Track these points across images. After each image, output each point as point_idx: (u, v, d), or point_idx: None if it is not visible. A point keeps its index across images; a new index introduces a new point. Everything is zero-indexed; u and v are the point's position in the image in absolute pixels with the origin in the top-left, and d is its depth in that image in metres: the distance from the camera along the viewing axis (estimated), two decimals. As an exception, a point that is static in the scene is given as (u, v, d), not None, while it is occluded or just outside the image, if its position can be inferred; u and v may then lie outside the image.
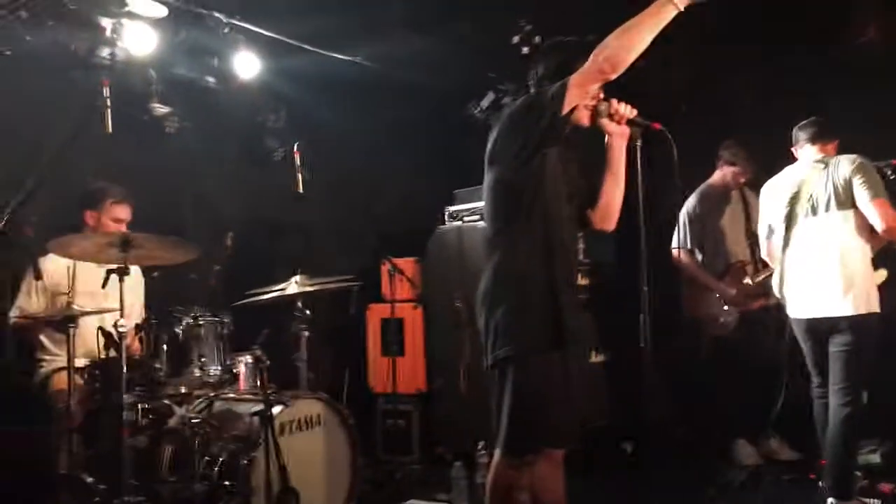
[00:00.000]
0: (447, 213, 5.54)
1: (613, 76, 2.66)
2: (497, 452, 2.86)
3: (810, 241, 4.08)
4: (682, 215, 5.15)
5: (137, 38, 4.38)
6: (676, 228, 5.14)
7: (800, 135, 4.30)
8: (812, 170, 4.13)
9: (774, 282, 4.27)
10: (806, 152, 4.24)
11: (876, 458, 4.70)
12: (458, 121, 5.86)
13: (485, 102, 5.83)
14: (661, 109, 4.06)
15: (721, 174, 5.18)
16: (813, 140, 4.23)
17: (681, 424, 5.18)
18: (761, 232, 4.47)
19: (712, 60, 5.61)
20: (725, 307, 4.99)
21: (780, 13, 4.99)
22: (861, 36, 5.05)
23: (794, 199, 4.16)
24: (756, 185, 4.68)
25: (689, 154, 2.96)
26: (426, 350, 5.44)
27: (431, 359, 5.42)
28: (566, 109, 2.68)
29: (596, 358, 5.52)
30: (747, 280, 4.96)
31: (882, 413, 4.82)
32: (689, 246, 5.10)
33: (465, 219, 5.40)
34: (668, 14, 2.61)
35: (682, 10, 2.63)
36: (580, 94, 2.70)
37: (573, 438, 2.89)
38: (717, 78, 5.80)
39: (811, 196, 4.07)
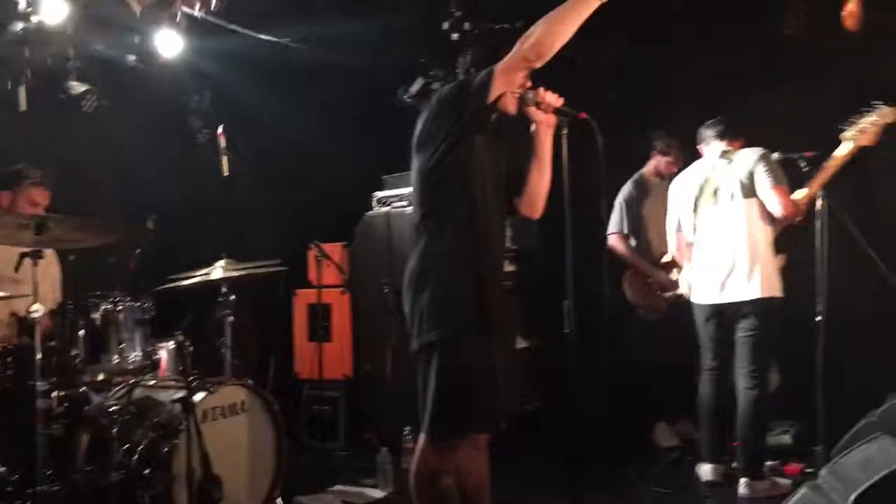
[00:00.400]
0: (375, 198, 5.52)
1: (539, 64, 2.71)
2: (422, 437, 2.87)
3: (717, 229, 4.31)
4: (619, 201, 5.24)
5: (55, 13, 4.20)
6: (613, 213, 5.22)
7: (706, 133, 4.56)
8: (718, 163, 4.32)
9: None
10: (713, 148, 4.47)
11: (787, 440, 4.89)
12: (387, 106, 5.83)
13: (414, 88, 5.80)
14: (589, 98, 4.14)
15: (654, 163, 5.30)
16: (721, 136, 4.49)
17: (603, 409, 5.27)
18: (671, 226, 4.62)
19: (639, 50, 5.72)
20: (660, 293, 5.09)
21: (706, 5, 5.11)
22: (782, 30, 5.19)
23: (701, 191, 4.43)
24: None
25: (616, 142, 3.01)
26: (353, 336, 5.43)
27: (358, 345, 5.42)
28: (492, 97, 2.71)
29: (522, 344, 5.59)
30: (675, 271, 5.09)
31: (793, 395, 5.01)
32: (625, 231, 5.19)
33: (394, 205, 5.39)
34: (594, 3, 2.66)
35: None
36: (506, 83, 2.73)
37: (498, 424, 2.92)
38: (644, 68, 5.90)
39: (717, 188, 4.29)
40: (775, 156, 4.32)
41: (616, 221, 5.20)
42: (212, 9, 2.26)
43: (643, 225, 5.20)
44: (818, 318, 4.28)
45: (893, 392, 4.34)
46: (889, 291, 5.12)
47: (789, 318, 4.53)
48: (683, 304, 5.01)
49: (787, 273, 4.50)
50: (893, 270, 4.67)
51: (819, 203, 4.20)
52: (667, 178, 5.23)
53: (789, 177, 4.40)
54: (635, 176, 5.32)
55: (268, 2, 4.80)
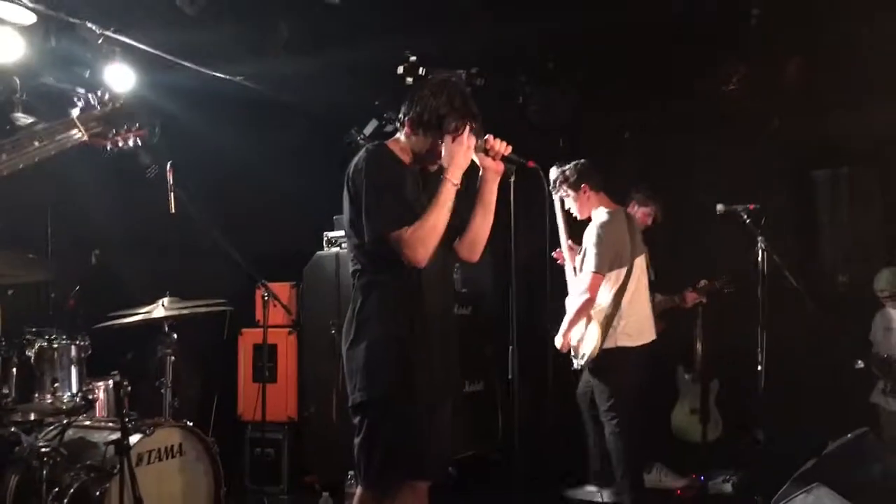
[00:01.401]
0: (326, 238, 5.49)
1: (418, 257, 2.68)
2: (359, 486, 2.83)
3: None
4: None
5: (3, 44, 4.15)
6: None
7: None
8: None
9: None
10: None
11: (728, 489, 4.94)
12: (340, 146, 5.84)
13: (368, 129, 5.84)
14: (540, 146, 4.22)
15: (631, 212, 5.41)
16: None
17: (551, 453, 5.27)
18: None
19: (590, 101, 5.85)
20: None
21: (649, 60, 5.26)
22: (724, 85, 5.37)
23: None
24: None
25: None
26: (299, 377, 5.36)
27: (304, 386, 5.34)
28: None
29: (470, 388, 5.58)
30: None
31: (734, 445, 5.08)
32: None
33: (344, 245, 5.36)
34: (451, 192, 2.74)
35: (493, 173, 2.84)
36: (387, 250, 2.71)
37: (438, 471, 2.89)
38: (594, 118, 6.04)
39: None
40: (719, 208, 4.44)
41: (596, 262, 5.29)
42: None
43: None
44: (759, 368, 4.36)
45: (832, 442, 4.44)
46: (827, 341, 5.27)
47: (732, 368, 4.62)
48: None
49: (731, 324, 4.61)
50: (829, 318, 4.82)
51: (760, 255, 4.31)
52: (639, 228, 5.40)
53: (733, 228, 4.53)
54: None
55: (224, 40, 4.78)
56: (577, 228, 4.59)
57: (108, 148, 2.18)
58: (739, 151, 5.78)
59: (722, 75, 5.41)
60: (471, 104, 2.84)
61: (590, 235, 4.34)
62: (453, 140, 2.76)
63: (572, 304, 4.35)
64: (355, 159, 2.86)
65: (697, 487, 5.02)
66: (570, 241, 4.59)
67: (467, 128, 2.77)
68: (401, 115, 2.91)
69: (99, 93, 2.19)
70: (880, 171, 5.78)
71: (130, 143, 2.25)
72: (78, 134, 2.02)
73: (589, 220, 4.45)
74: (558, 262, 4.61)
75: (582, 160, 4.49)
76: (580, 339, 4.37)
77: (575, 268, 4.51)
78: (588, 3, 4.73)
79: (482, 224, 2.94)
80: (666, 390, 5.73)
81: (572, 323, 4.32)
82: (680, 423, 5.65)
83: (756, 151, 5.81)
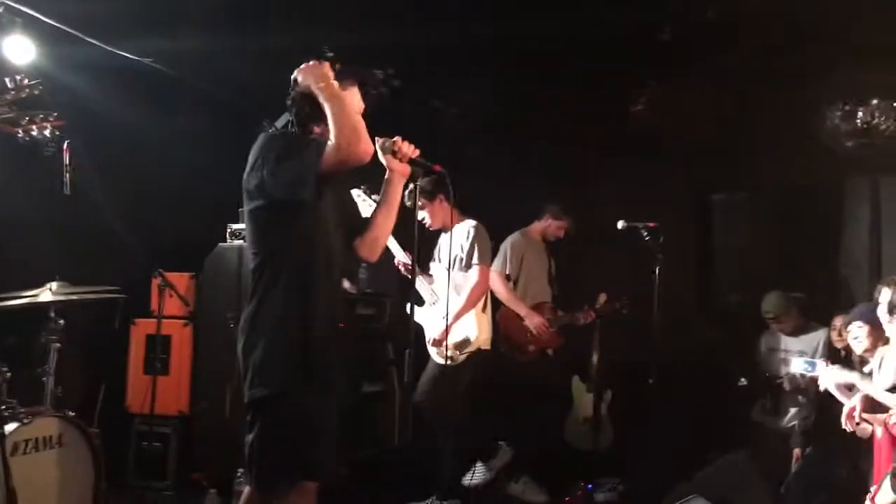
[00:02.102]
0: (229, 230, 5.37)
1: (365, 152, 2.69)
2: (248, 485, 2.78)
3: None
4: (506, 246, 5.49)
5: None
6: (498, 255, 5.41)
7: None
8: None
9: None
10: None
11: (614, 497, 5.08)
12: (250, 137, 5.71)
13: (280, 122, 5.72)
14: (450, 151, 4.24)
15: (543, 224, 5.63)
16: None
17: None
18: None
19: (502, 109, 5.93)
20: (530, 335, 5.32)
21: (562, 73, 5.37)
22: (632, 105, 5.53)
23: None
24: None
25: (476, 194, 3.08)
26: (193, 371, 5.22)
27: (197, 380, 5.21)
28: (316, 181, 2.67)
29: (369, 388, 5.57)
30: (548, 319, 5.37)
31: (623, 454, 5.22)
32: (507, 272, 5.41)
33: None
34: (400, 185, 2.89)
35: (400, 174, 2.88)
36: (333, 172, 2.69)
37: (329, 473, 2.86)
38: (506, 126, 6.13)
39: None
40: (620, 224, 4.59)
41: (500, 262, 5.41)
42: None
43: (522, 272, 5.45)
44: (650, 381, 4.50)
45: (712, 455, 4.63)
46: (715, 358, 5.48)
47: (625, 379, 4.75)
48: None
49: (627, 337, 4.78)
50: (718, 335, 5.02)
51: (657, 271, 4.46)
52: (550, 238, 5.62)
53: (633, 245, 4.67)
54: (522, 230, 5.61)
55: (131, 12, 4.61)
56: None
57: (20, 135, 2.02)
58: (643, 170, 5.97)
59: (630, 95, 5.57)
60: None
61: (462, 236, 4.56)
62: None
63: (463, 299, 4.51)
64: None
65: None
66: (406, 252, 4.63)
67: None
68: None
69: (17, 77, 2.03)
70: (774, 197, 6.05)
71: (47, 132, 2.08)
72: None
73: (440, 230, 4.61)
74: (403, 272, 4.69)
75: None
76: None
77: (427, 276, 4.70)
78: (503, 12, 4.79)
79: (384, 224, 2.95)
80: (561, 400, 5.85)
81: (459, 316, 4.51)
82: (572, 432, 5.78)
83: (658, 172, 6.01)
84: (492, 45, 4.98)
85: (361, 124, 2.71)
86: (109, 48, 4.93)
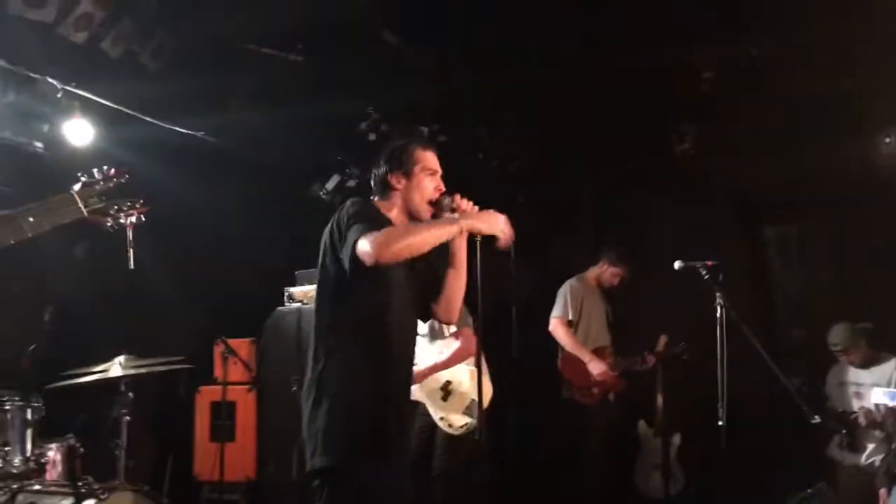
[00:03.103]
0: (287, 294, 5.44)
1: (373, 262, 2.56)
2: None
3: None
4: (564, 291, 5.46)
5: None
6: (557, 301, 5.43)
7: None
8: None
9: None
10: None
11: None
12: (302, 201, 5.83)
13: (330, 184, 5.86)
14: (499, 200, 4.25)
15: (599, 270, 5.60)
16: None
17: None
18: None
19: (548, 157, 5.96)
20: (594, 379, 5.26)
21: (607, 118, 5.39)
22: (678, 144, 5.52)
23: None
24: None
25: (525, 243, 3.07)
26: (258, 436, 5.24)
27: (263, 445, 5.22)
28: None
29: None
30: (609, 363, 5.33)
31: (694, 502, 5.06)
32: (569, 317, 5.37)
33: (306, 300, 5.31)
34: (453, 231, 2.74)
35: (464, 233, 2.77)
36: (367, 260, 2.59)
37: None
38: (553, 173, 6.15)
39: None
40: (677, 265, 4.50)
41: (560, 308, 5.41)
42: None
43: (582, 318, 5.42)
44: (720, 423, 4.38)
45: (791, 495, 4.48)
46: (784, 396, 5.33)
47: (693, 422, 4.64)
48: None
49: (691, 379, 4.67)
50: (788, 374, 4.88)
51: (719, 311, 4.37)
52: (606, 285, 5.59)
53: (691, 284, 4.59)
54: (579, 275, 5.60)
55: (183, 93, 4.78)
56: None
57: (109, 225, 2.08)
58: (693, 209, 5.92)
59: (676, 135, 5.56)
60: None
61: None
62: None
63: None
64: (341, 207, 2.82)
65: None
66: None
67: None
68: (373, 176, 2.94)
69: (105, 167, 2.09)
70: (830, 228, 5.94)
71: (133, 219, 2.14)
72: (77, 210, 1.92)
73: None
74: None
75: None
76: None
77: None
78: (546, 59, 4.84)
79: (455, 285, 2.93)
80: (628, 445, 5.74)
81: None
82: (642, 479, 5.65)
83: (709, 209, 5.95)
84: (535, 91, 5.03)
85: (412, 247, 2.63)
86: (162, 124, 5.10)
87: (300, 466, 4.80)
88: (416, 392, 4.29)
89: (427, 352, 4.40)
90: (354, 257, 2.58)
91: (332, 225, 2.76)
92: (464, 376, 4.46)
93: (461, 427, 4.39)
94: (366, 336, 2.70)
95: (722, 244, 5.58)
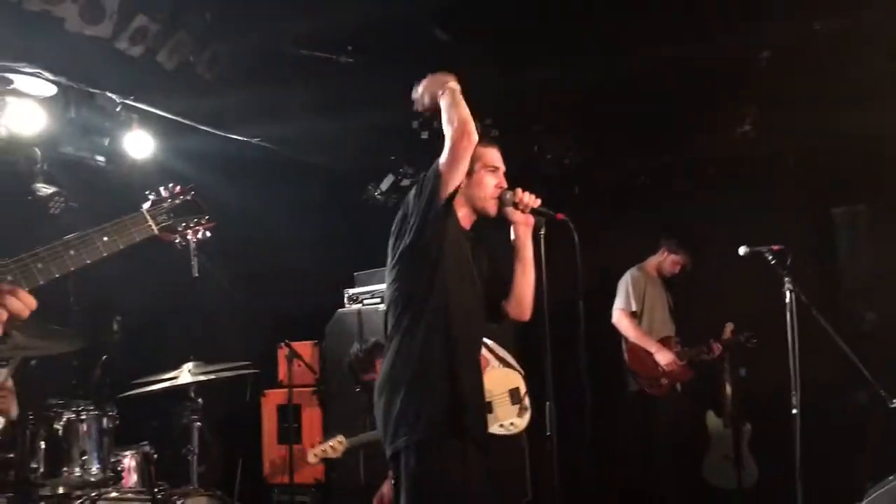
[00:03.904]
0: (347, 295, 5.47)
1: (472, 135, 2.72)
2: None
3: None
4: (626, 282, 5.40)
5: (23, 116, 4.20)
6: (619, 293, 5.38)
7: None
8: None
9: None
10: None
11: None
12: (358, 202, 5.86)
13: (384, 185, 5.87)
14: (555, 193, 4.19)
15: (659, 259, 5.53)
16: None
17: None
18: None
19: (604, 146, 5.87)
20: (662, 369, 5.19)
21: (660, 105, 5.28)
22: (738, 127, 5.38)
23: None
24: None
25: (582, 234, 3.02)
26: (324, 437, 5.27)
27: (330, 447, 5.25)
28: (446, 192, 2.73)
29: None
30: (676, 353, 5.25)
31: (772, 493, 4.95)
32: (633, 308, 5.31)
33: (366, 301, 5.34)
34: (447, 96, 2.80)
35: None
36: (458, 165, 2.74)
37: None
38: (609, 162, 6.07)
39: None
40: (742, 250, 4.39)
41: (622, 299, 5.36)
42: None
43: (645, 308, 5.36)
44: (794, 412, 4.27)
45: (871, 485, 4.33)
46: (857, 380, 5.17)
47: (766, 413, 4.52)
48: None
49: (759, 367, 4.55)
50: (861, 358, 4.73)
51: (788, 296, 4.25)
52: (667, 274, 5.51)
53: (758, 269, 4.47)
54: (639, 265, 5.53)
55: (239, 102, 4.83)
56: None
57: (177, 242, 2.13)
58: (756, 192, 5.77)
59: (735, 117, 5.42)
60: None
61: None
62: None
63: None
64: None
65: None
66: None
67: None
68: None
69: (170, 185, 2.15)
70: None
71: (200, 235, 2.19)
72: (148, 228, 1.96)
73: None
74: None
75: None
76: None
77: None
78: (596, 49, 4.76)
79: (523, 280, 2.93)
80: (697, 437, 5.63)
81: None
82: (713, 470, 5.54)
83: (773, 191, 5.80)
84: (590, 82, 4.95)
85: (468, 116, 2.74)
86: (219, 132, 5.16)
87: (366, 468, 4.84)
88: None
89: None
90: (439, 176, 2.71)
91: (398, 215, 2.85)
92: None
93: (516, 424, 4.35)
94: (435, 314, 2.73)
95: (787, 227, 5.43)
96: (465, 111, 2.75)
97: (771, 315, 4.53)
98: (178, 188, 2.14)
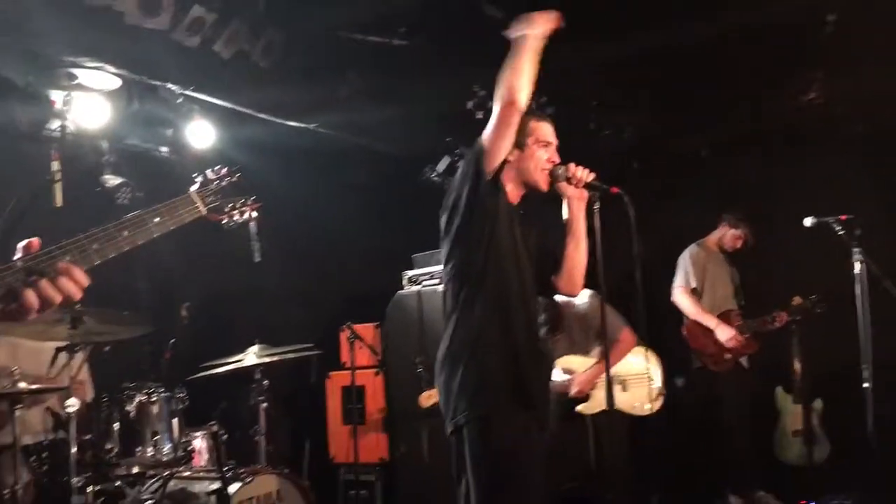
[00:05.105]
0: (406, 277, 5.51)
1: (519, 103, 2.66)
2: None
3: None
4: (686, 259, 5.33)
5: (89, 110, 4.34)
6: (678, 270, 5.32)
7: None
8: None
9: None
10: None
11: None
12: (415, 185, 5.88)
13: (441, 166, 5.88)
14: (613, 168, 4.14)
15: (720, 234, 5.43)
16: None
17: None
18: None
19: (660, 121, 5.75)
20: (724, 346, 5.12)
21: (721, 75, 5.14)
22: (803, 95, 5.21)
23: None
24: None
25: (641, 210, 2.97)
26: (388, 417, 5.35)
27: (393, 426, 5.33)
28: (496, 157, 2.71)
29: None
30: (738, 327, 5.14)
31: (848, 466, 4.83)
32: (692, 285, 5.24)
33: (425, 283, 5.38)
34: (530, 43, 2.68)
35: (537, 36, 2.71)
36: (503, 136, 2.71)
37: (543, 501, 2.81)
38: (666, 137, 5.94)
39: None
40: (808, 221, 4.28)
41: (681, 276, 5.29)
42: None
43: (706, 285, 5.27)
44: (865, 385, 4.15)
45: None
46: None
47: (836, 387, 4.41)
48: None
49: (829, 340, 4.43)
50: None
51: (858, 267, 4.12)
52: (729, 249, 5.40)
53: (825, 241, 4.34)
54: (699, 241, 5.43)
55: (295, 90, 4.88)
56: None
57: (224, 222, 2.19)
58: (822, 161, 5.60)
59: (800, 85, 5.25)
60: None
61: None
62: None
63: None
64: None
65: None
66: None
67: None
68: None
69: (216, 167, 2.21)
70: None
71: (245, 216, 2.25)
72: (196, 210, 2.03)
73: None
74: None
75: None
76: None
77: None
78: (653, 21, 4.65)
79: (575, 254, 2.91)
80: (767, 412, 5.52)
81: None
82: (783, 447, 5.43)
83: (839, 161, 5.61)
84: (647, 55, 4.85)
85: (520, 83, 2.66)
86: (277, 119, 5.23)
87: (430, 445, 4.90)
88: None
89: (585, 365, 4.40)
90: (482, 148, 2.71)
91: (448, 192, 2.84)
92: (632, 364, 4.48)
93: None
94: (489, 291, 2.73)
95: (855, 197, 5.25)
96: (521, 71, 2.66)
97: (840, 288, 4.40)
98: (223, 170, 2.19)
